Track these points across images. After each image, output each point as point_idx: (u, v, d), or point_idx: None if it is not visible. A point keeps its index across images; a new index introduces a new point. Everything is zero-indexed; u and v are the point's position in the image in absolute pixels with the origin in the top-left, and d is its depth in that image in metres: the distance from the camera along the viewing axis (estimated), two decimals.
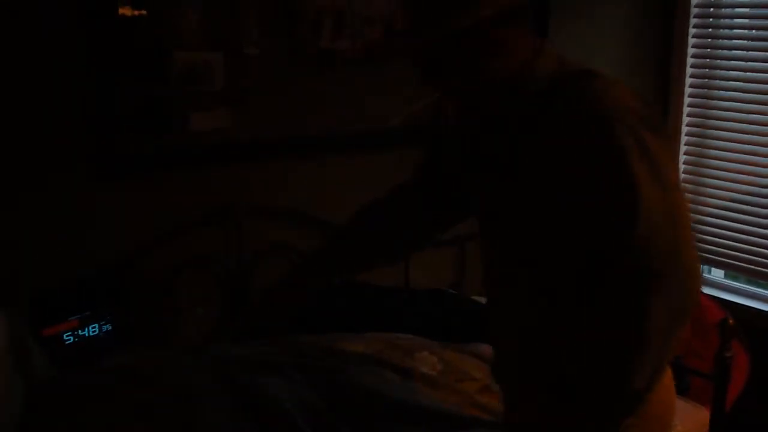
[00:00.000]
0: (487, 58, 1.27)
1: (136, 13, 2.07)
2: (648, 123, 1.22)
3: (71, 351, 2.00)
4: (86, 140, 2.06)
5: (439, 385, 1.89)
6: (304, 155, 2.43)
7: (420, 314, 2.28)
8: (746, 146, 3.00)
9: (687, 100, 3.16)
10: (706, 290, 3.06)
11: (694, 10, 3.09)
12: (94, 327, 2.05)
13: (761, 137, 2.94)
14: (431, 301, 2.38)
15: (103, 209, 2.11)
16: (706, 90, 3.13)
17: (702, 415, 2.12)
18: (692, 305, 1.25)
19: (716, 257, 3.11)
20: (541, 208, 1.27)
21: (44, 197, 2.03)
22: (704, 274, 3.22)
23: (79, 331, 2.03)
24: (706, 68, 3.12)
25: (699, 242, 3.09)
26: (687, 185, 3.15)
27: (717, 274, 3.24)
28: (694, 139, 3.16)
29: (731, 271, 3.16)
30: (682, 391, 2.12)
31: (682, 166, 3.18)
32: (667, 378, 1.41)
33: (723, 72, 3.09)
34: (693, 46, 3.11)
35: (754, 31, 3.06)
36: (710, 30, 3.09)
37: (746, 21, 3.05)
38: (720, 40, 3.09)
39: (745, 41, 3.12)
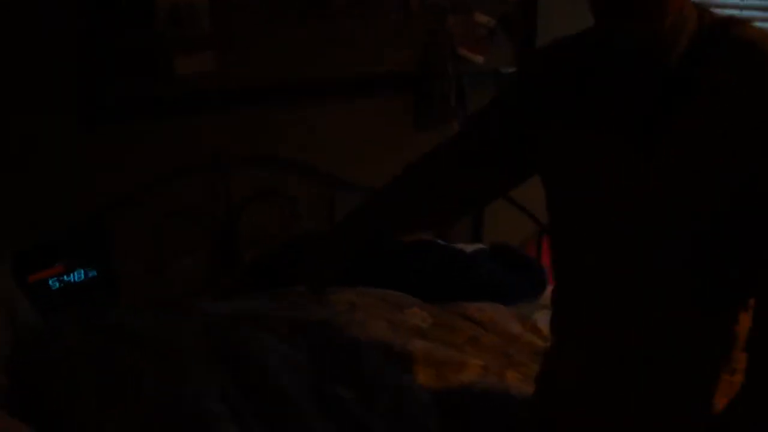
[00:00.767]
0: None
1: None
2: None
3: (57, 296, 2.00)
4: (70, 86, 2.03)
5: (429, 337, 1.89)
6: (294, 101, 2.39)
7: (409, 271, 2.26)
8: None
9: None
10: None
11: None
12: (80, 273, 2.05)
13: None
14: (419, 255, 2.34)
15: (89, 156, 2.08)
16: None
17: None
18: None
19: None
20: (727, 157, 1.21)
21: (29, 144, 2.01)
22: None
23: (65, 276, 2.03)
24: None
25: None
26: None
27: None
28: None
29: None
30: None
31: None
32: None
33: None
34: None
35: None
36: None
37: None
38: None
39: None
